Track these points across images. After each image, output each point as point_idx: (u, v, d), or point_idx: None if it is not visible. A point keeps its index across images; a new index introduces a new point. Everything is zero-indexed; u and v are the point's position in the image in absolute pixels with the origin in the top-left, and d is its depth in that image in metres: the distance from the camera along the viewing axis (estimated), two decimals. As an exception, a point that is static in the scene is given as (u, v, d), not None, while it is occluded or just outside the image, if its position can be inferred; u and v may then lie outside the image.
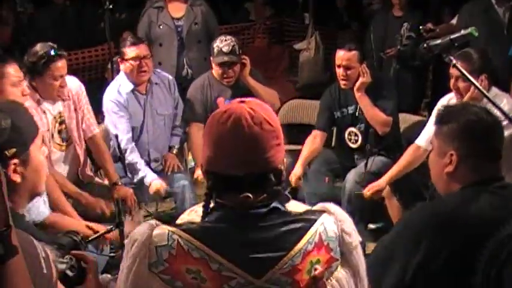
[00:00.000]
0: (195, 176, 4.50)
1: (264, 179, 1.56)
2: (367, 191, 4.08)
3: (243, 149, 1.54)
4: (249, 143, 1.54)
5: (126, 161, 4.29)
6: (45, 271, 1.55)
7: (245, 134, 1.53)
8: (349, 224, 1.65)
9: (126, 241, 1.62)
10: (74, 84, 3.98)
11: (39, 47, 3.69)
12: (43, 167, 1.90)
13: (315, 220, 1.59)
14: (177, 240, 1.52)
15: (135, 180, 4.34)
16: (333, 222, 1.62)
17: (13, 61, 3.38)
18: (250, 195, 1.55)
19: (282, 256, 1.53)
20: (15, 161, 1.78)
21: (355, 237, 1.65)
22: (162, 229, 1.55)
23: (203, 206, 1.63)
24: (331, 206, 1.66)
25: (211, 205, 1.62)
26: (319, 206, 1.67)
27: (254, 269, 1.52)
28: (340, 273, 1.62)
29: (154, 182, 4.29)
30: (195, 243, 1.51)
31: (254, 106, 1.58)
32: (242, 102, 1.60)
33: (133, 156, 4.32)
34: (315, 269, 1.56)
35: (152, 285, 1.53)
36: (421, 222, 2.14)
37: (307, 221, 1.59)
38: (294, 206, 1.72)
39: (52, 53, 3.66)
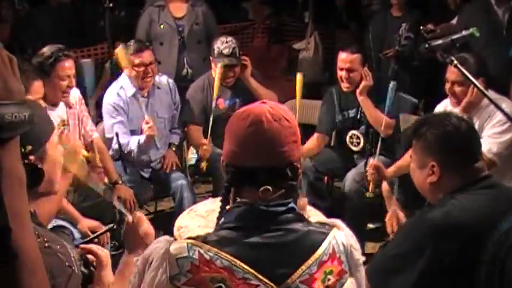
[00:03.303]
0: (200, 153, 4.48)
1: (281, 172, 1.61)
2: (372, 163, 4.04)
3: (262, 142, 1.60)
4: (269, 137, 1.60)
5: (125, 150, 4.31)
6: (76, 271, 1.56)
7: (265, 128, 1.59)
8: (355, 240, 1.70)
9: (138, 259, 1.62)
10: (76, 94, 4.07)
11: (46, 49, 3.76)
12: (60, 164, 1.92)
13: (328, 232, 1.64)
14: (198, 250, 1.53)
15: (133, 153, 4.35)
16: (343, 236, 1.66)
17: (39, 78, 3.41)
18: (269, 188, 1.59)
19: (299, 263, 1.57)
20: (32, 157, 1.81)
21: (361, 255, 1.71)
22: (180, 242, 1.57)
23: (220, 206, 1.67)
24: (339, 222, 1.71)
25: (228, 206, 1.65)
26: (328, 221, 1.72)
27: (275, 275, 1.55)
28: (350, 285, 1.65)
29: (146, 127, 4.27)
30: (217, 251, 1.53)
31: (273, 106, 1.66)
32: (263, 103, 1.68)
33: (124, 141, 4.33)
34: (328, 279, 1.60)
35: None
36: (419, 234, 2.17)
37: (322, 232, 1.64)
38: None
39: (59, 53, 3.70)
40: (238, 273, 1.52)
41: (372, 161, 4.06)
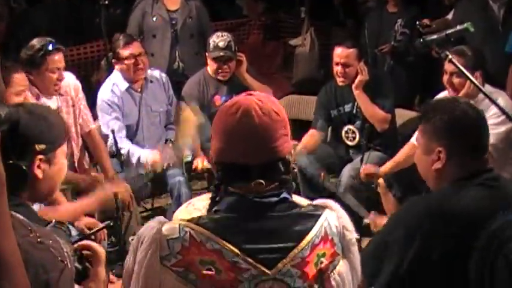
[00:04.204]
0: (194, 166, 4.50)
1: (273, 167, 1.60)
2: (363, 170, 4.08)
3: (253, 138, 1.57)
4: (259, 132, 1.57)
5: (123, 157, 4.30)
6: (69, 266, 1.57)
7: (255, 123, 1.57)
8: (348, 221, 1.69)
9: (133, 239, 1.63)
10: (71, 80, 4.05)
11: (36, 41, 3.74)
12: (63, 173, 1.96)
13: (320, 215, 1.63)
14: (189, 232, 1.53)
15: (133, 171, 4.35)
16: (335, 218, 1.65)
17: (20, 69, 3.40)
18: (263, 181, 1.58)
19: (291, 247, 1.56)
20: (42, 157, 1.86)
21: (354, 234, 1.69)
22: (172, 223, 1.57)
23: (211, 198, 1.66)
24: (332, 203, 1.70)
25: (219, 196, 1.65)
26: (320, 202, 1.71)
27: (266, 259, 1.54)
28: (342, 267, 1.65)
29: (150, 157, 4.30)
30: (208, 234, 1.53)
31: (262, 98, 1.63)
32: (250, 95, 1.65)
33: (125, 146, 4.33)
34: (321, 262, 1.60)
35: (164, 279, 1.53)
36: (413, 218, 2.16)
37: (313, 215, 1.62)
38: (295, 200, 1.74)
39: (49, 46, 3.69)
40: (228, 256, 1.52)
41: (362, 169, 4.09)
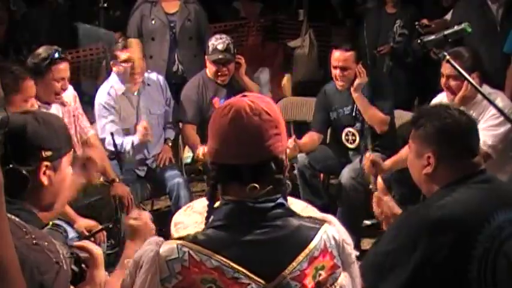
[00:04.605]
0: (196, 154, 4.50)
1: (265, 167, 1.60)
2: (368, 157, 4.00)
3: (243, 138, 1.59)
4: (249, 133, 1.58)
5: (124, 153, 4.33)
6: (65, 268, 1.57)
7: (244, 124, 1.58)
8: (347, 235, 1.69)
9: (129, 261, 1.62)
10: (70, 91, 4.07)
11: (42, 50, 3.76)
12: (68, 181, 1.96)
13: (319, 228, 1.63)
14: (188, 252, 1.53)
15: (128, 154, 4.40)
16: (335, 231, 1.66)
17: (28, 77, 3.41)
18: (256, 185, 1.58)
19: (290, 260, 1.56)
20: (48, 163, 1.86)
21: (353, 250, 1.70)
22: (170, 243, 1.56)
23: (207, 199, 1.67)
24: (331, 217, 1.71)
25: (217, 204, 1.65)
26: (320, 216, 1.72)
27: (266, 272, 1.54)
28: (344, 280, 1.65)
29: (138, 133, 4.34)
30: (206, 252, 1.52)
31: (254, 99, 1.64)
32: (244, 96, 1.66)
33: (118, 142, 4.34)
34: (319, 275, 1.59)
35: None
36: (412, 228, 2.16)
37: (312, 227, 1.63)
38: (294, 204, 1.74)
39: (55, 55, 3.70)
40: (229, 273, 1.52)
41: (368, 154, 4.04)
